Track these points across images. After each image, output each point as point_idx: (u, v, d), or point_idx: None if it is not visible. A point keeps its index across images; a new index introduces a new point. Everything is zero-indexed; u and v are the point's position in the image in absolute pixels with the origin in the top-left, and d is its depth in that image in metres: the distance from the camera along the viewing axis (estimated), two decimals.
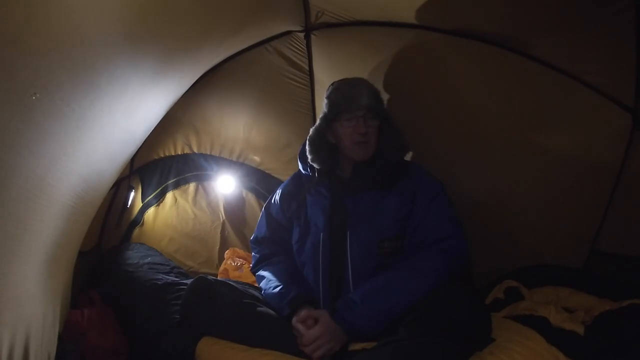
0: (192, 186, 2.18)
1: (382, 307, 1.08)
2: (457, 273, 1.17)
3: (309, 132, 1.38)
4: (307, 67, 1.81)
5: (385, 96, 1.41)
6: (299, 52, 1.75)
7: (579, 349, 0.94)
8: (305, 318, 1.10)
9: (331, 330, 1.06)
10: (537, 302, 1.25)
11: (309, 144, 1.34)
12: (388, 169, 1.30)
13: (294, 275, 1.33)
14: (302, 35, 1.67)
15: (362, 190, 1.29)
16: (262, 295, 1.30)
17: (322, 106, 1.39)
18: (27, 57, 0.59)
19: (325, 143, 1.33)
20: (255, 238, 1.51)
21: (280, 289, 1.24)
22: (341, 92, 1.32)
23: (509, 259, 1.62)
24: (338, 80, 1.37)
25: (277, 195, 1.49)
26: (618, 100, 1.28)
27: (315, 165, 1.34)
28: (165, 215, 2.14)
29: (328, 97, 1.35)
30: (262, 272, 1.38)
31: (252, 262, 1.47)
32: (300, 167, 1.41)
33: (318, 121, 1.36)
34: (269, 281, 1.31)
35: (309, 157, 1.33)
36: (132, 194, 2.02)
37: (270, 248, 1.45)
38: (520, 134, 1.50)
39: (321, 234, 1.29)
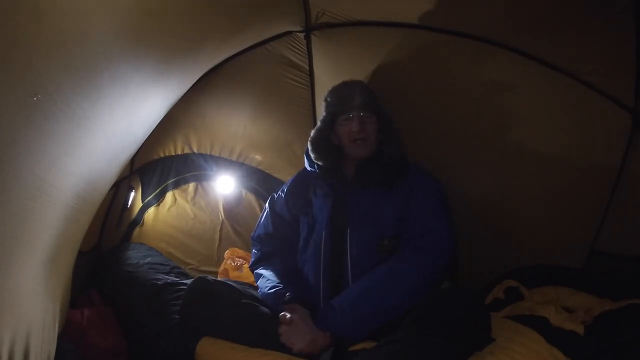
0: (191, 186, 2.18)
1: (366, 312, 1.09)
2: (441, 266, 1.17)
3: (309, 132, 1.41)
4: (307, 67, 1.81)
5: (385, 96, 1.41)
6: (299, 52, 1.75)
7: (578, 349, 0.94)
8: (282, 322, 1.12)
9: (297, 330, 1.08)
10: (537, 302, 1.25)
11: (310, 145, 1.37)
12: (392, 167, 1.31)
13: (291, 275, 1.33)
14: (302, 35, 1.66)
15: (364, 187, 1.30)
16: (260, 295, 1.30)
17: (322, 106, 1.43)
18: (28, 58, 0.58)
19: (328, 144, 1.36)
20: (258, 236, 1.50)
21: (276, 290, 1.25)
22: (336, 94, 1.36)
23: (509, 259, 1.63)
24: (335, 85, 1.41)
25: (282, 192, 1.50)
26: (618, 100, 1.28)
27: (319, 163, 1.36)
28: (165, 215, 2.14)
29: (325, 100, 1.39)
30: (260, 271, 1.39)
31: (252, 259, 1.47)
32: (307, 165, 1.43)
33: (319, 123, 1.40)
34: (266, 280, 1.32)
35: (312, 155, 1.37)
36: (132, 194, 2.02)
37: (272, 246, 1.45)
38: (520, 133, 1.51)
39: (323, 232, 1.30)
